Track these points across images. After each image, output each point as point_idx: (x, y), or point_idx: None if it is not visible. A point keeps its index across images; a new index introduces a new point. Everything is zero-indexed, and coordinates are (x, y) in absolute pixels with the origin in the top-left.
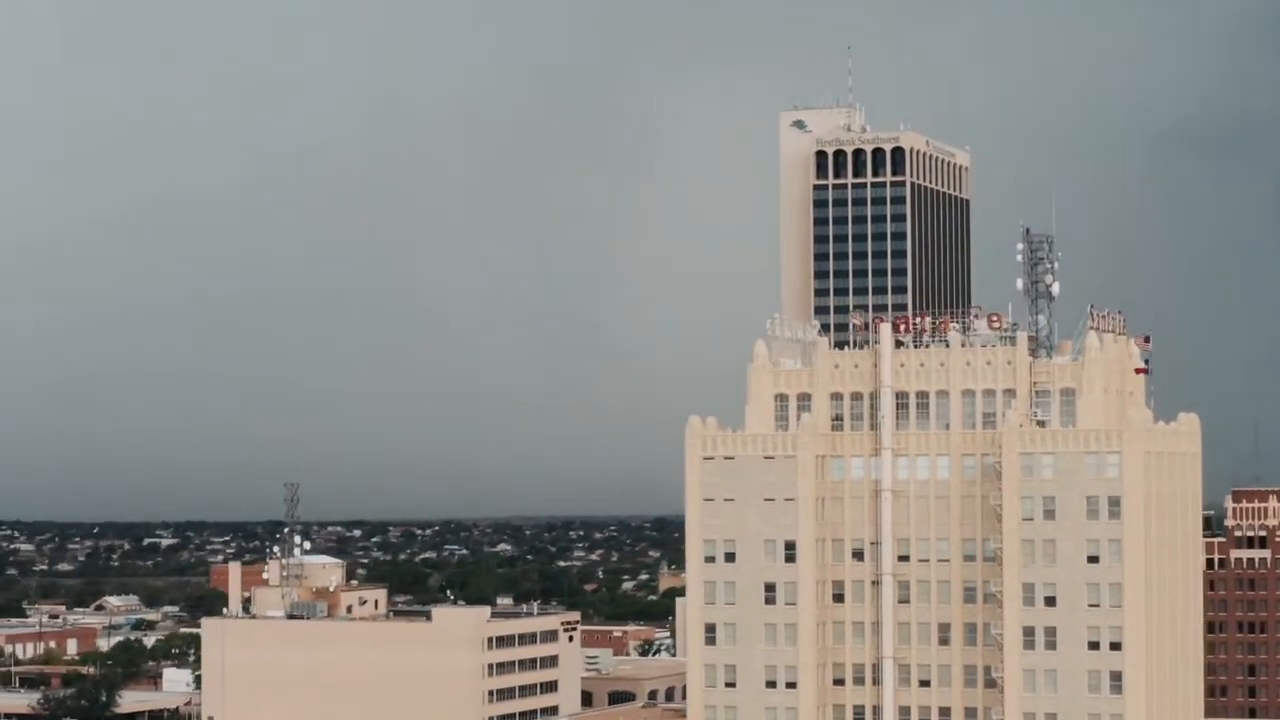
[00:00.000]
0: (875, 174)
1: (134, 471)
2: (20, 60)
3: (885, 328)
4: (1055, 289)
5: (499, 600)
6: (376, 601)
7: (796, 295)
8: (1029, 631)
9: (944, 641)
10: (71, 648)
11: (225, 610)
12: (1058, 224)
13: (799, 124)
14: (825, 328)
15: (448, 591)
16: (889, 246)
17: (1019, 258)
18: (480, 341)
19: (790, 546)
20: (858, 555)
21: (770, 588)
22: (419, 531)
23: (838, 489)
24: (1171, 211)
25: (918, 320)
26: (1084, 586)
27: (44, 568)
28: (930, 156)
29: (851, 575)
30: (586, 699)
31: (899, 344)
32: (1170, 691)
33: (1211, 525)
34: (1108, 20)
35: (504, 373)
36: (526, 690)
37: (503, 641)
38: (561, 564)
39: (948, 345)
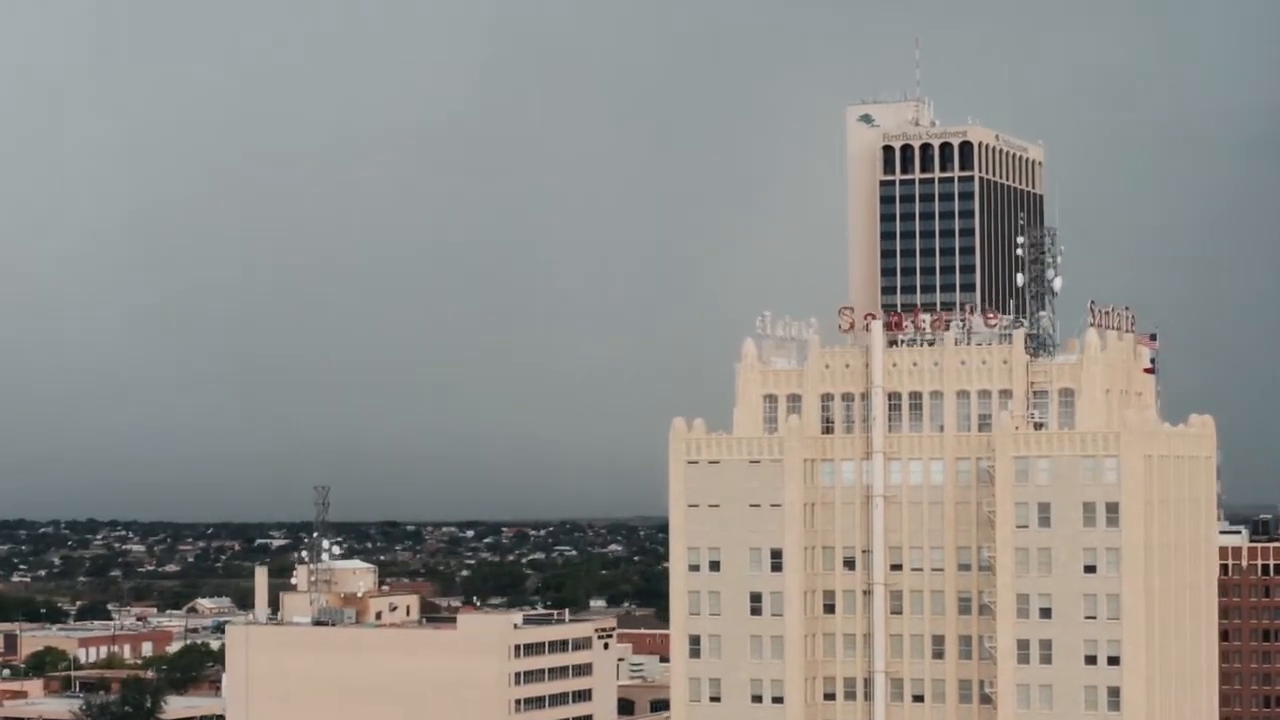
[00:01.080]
0: (943, 169)
1: (251, 471)
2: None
3: (876, 325)
4: (1057, 284)
5: (592, 603)
6: (409, 607)
7: (863, 293)
8: (1023, 645)
9: (938, 655)
10: (147, 650)
11: (251, 616)
12: (1131, 222)
13: (866, 118)
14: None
15: (538, 595)
16: (957, 243)
17: (1019, 252)
18: (598, 335)
19: (777, 555)
20: (849, 564)
21: (756, 598)
22: (532, 532)
23: (828, 494)
24: (1260, 213)
25: (912, 317)
26: (1080, 597)
27: (150, 568)
28: (1000, 151)
29: (842, 585)
30: (628, 707)
31: (892, 343)
32: (1176, 708)
33: (1269, 529)
34: (1192, 7)
35: (625, 368)
36: (557, 699)
37: (531, 649)
38: (665, 565)
39: (940, 342)
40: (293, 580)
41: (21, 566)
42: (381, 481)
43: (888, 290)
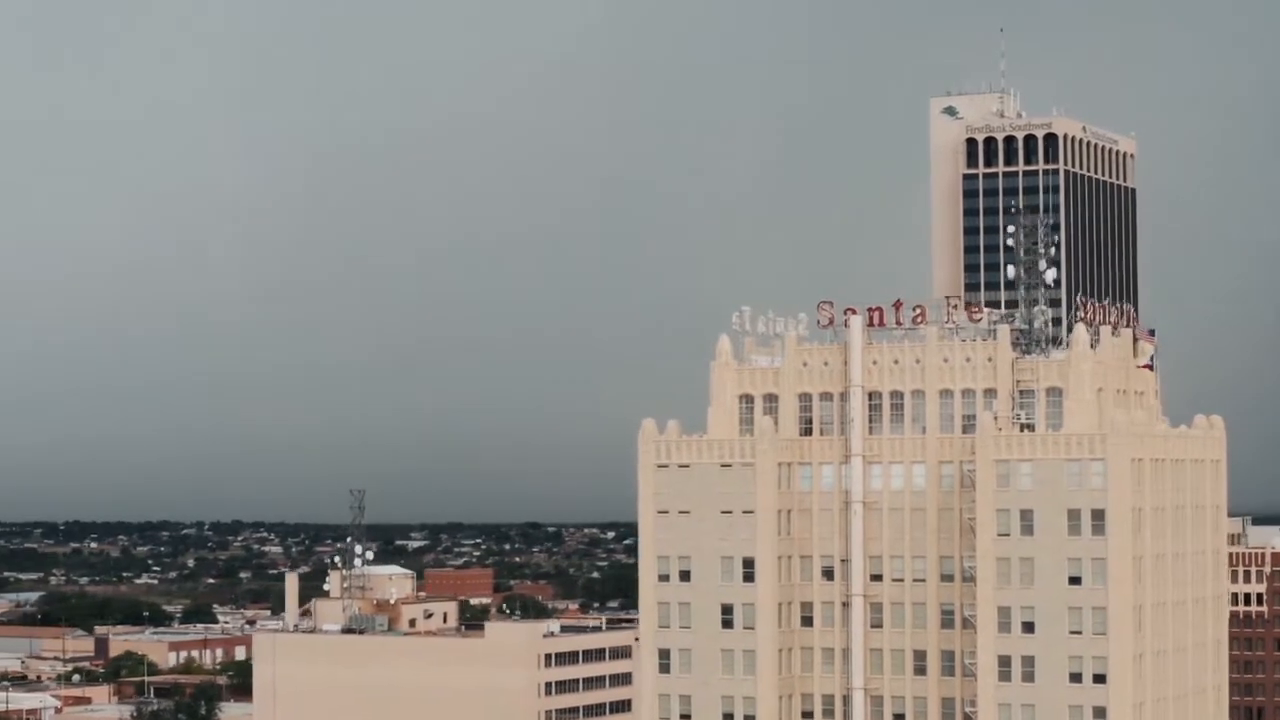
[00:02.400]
0: (1027, 161)
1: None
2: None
3: (856, 320)
4: (1050, 276)
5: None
6: (445, 614)
7: (947, 289)
8: (1004, 661)
9: (920, 671)
10: (240, 654)
11: (280, 623)
12: (1236, 217)
13: (950, 110)
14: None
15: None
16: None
17: (1010, 242)
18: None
19: (749, 564)
20: (827, 574)
21: (727, 610)
22: None
23: (805, 500)
24: None
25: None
26: (1065, 611)
27: (281, 570)
28: (1087, 143)
29: (821, 596)
30: None
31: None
32: None
33: None
34: None
35: None
36: (592, 710)
37: (563, 658)
38: None
39: (924, 338)
40: (325, 586)
41: (155, 568)
42: (522, 481)
43: (971, 287)
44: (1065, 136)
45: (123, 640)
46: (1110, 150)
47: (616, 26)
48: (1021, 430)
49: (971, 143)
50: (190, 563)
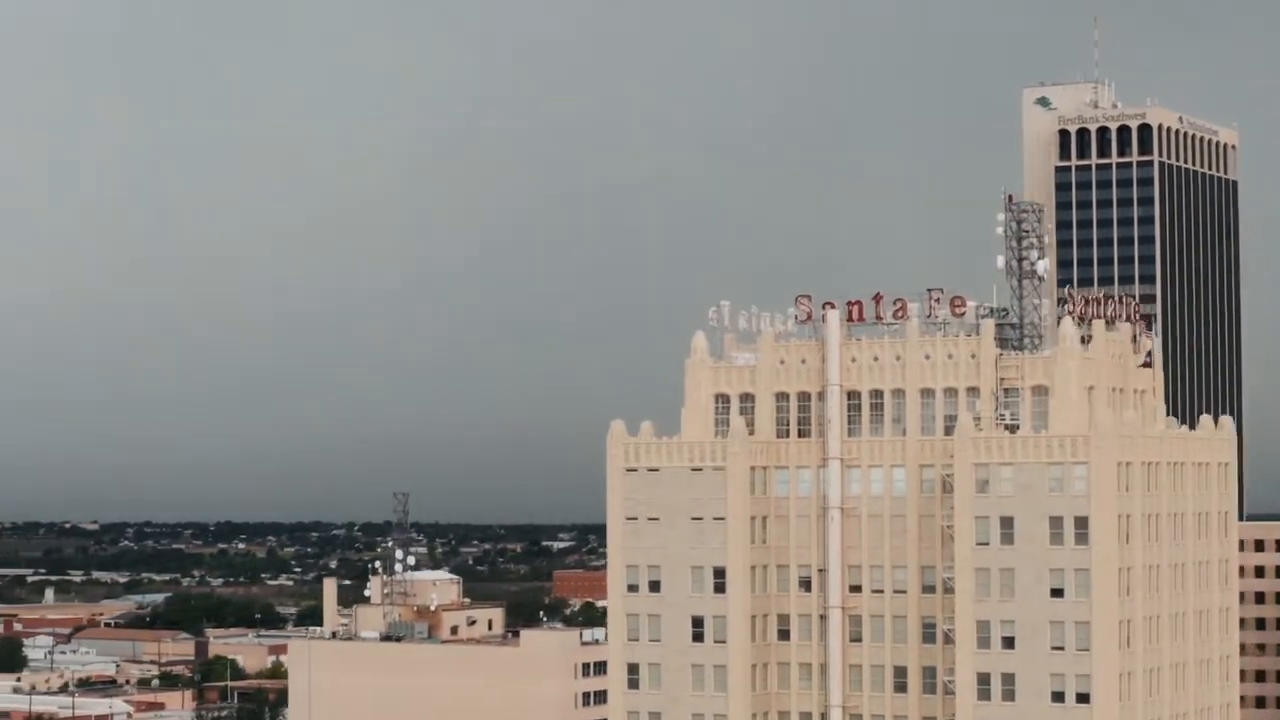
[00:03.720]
0: (1121, 153)
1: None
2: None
3: (833, 315)
4: (1042, 268)
5: None
6: (490, 621)
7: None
8: (984, 679)
9: (900, 688)
10: None
11: (319, 629)
12: None
13: (1043, 101)
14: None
15: None
16: (1135, 232)
17: (999, 230)
18: None
19: (720, 574)
20: (804, 585)
21: (698, 622)
22: None
23: (781, 506)
24: None
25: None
26: (1046, 625)
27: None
28: (1184, 134)
29: (798, 608)
30: None
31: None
32: None
33: None
34: None
35: None
36: None
37: (602, 668)
38: None
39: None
40: (366, 592)
41: (296, 569)
42: None
43: (1063, 283)
44: (1160, 127)
45: (223, 644)
46: (1209, 142)
47: (644, 10)
48: (1008, 431)
49: (1064, 134)
50: (332, 564)
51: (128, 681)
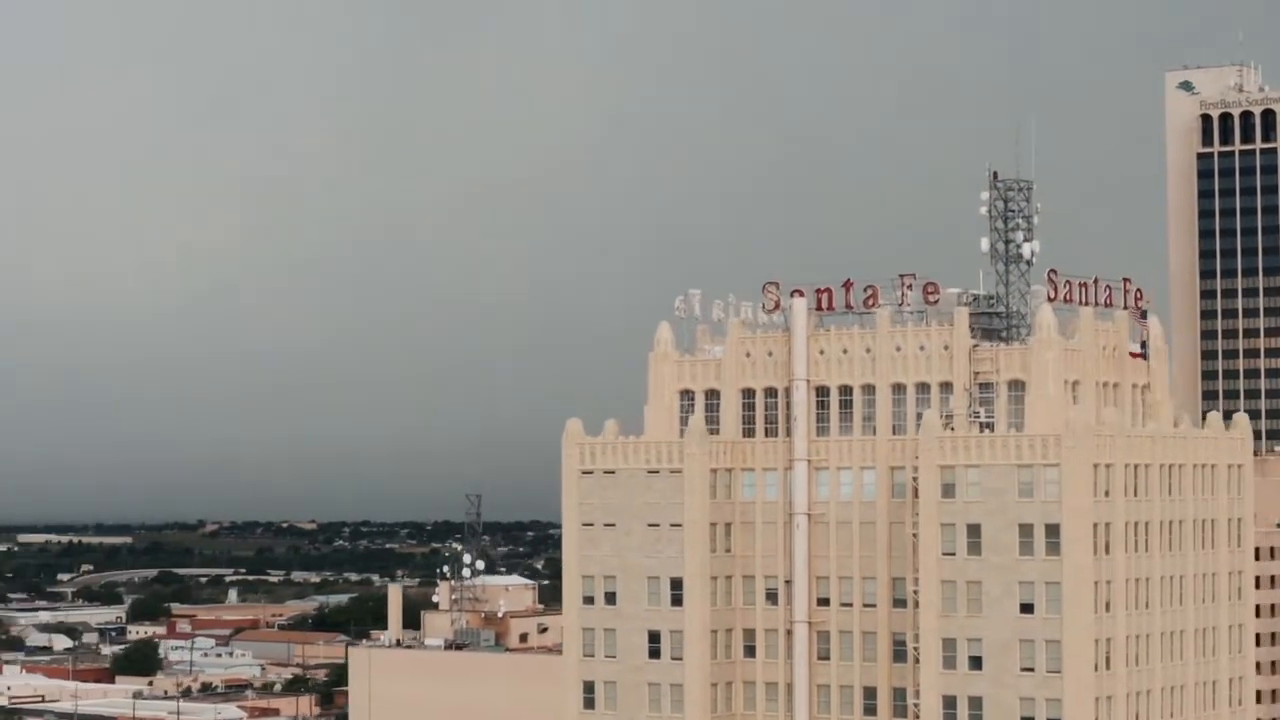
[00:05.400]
0: (1265, 139)
1: None
2: None
3: (799, 304)
4: (1028, 250)
5: None
6: (564, 629)
7: (1183, 275)
8: (950, 702)
9: (870, 710)
10: None
11: (381, 637)
12: None
13: (1186, 85)
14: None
15: None
16: None
17: (983, 209)
18: None
19: (677, 585)
20: (771, 597)
21: (654, 638)
22: None
23: (747, 511)
24: None
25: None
26: (1015, 644)
27: None
28: None
29: (765, 623)
30: None
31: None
32: None
33: None
34: None
35: None
36: None
37: None
38: None
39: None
40: (434, 598)
41: (501, 569)
42: None
43: (1206, 274)
44: None
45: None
46: None
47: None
48: (982, 430)
49: (1207, 119)
50: (539, 565)
51: (262, 686)
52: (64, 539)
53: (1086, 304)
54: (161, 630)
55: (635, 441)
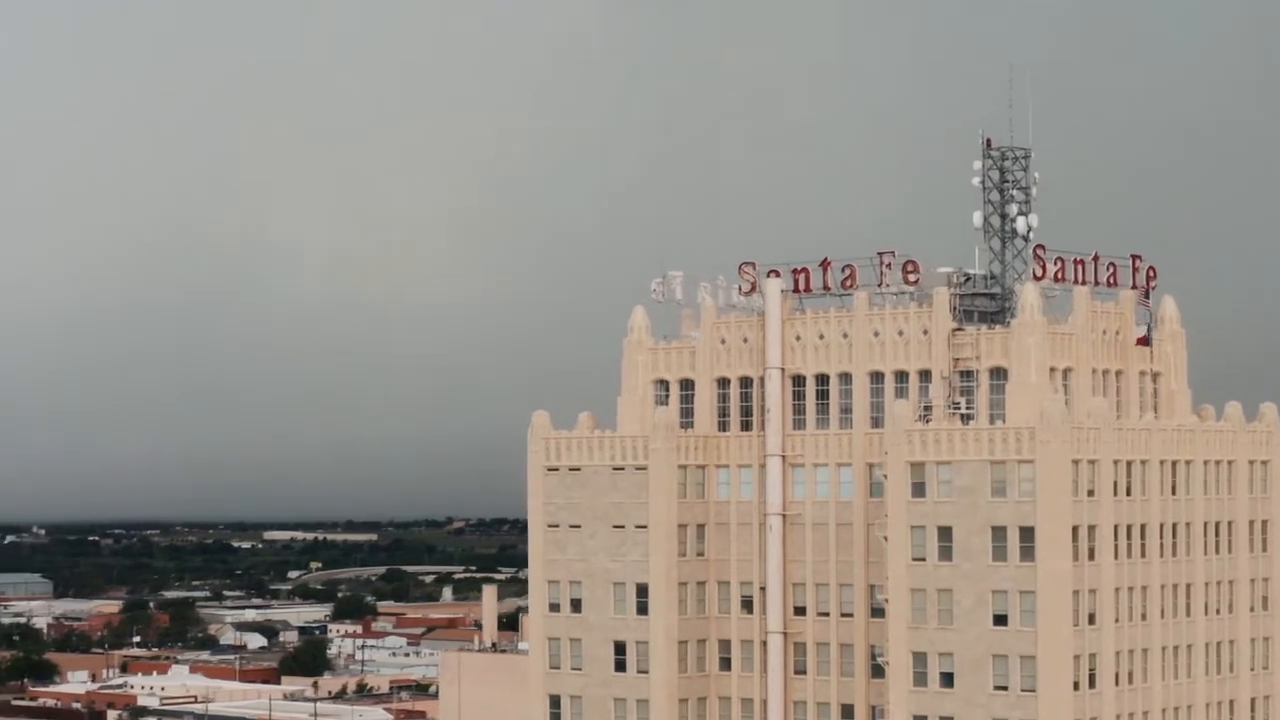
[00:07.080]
0: None
1: None
2: None
3: (774, 285)
4: (1023, 225)
5: None
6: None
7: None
8: None
9: None
10: None
11: (477, 642)
12: None
13: None
14: None
15: None
16: None
17: (975, 180)
18: None
19: (644, 592)
20: (747, 605)
21: (620, 649)
22: None
23: (721, 512)
24: None
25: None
26: (988, 659)
27: None
28: None
29: (739, 633)
30: None
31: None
32: None
33: None
34: None
35: None
36: None
37: None
38: None
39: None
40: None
41: None
42: None
43: None
44: None
45: None
46: None
47: None
48: (964, 423)
49: None
50: None
51: (430, 686)
52: (309, 536)
53: (1083, 283)
54: (359, 629)
55: (600, 436)
